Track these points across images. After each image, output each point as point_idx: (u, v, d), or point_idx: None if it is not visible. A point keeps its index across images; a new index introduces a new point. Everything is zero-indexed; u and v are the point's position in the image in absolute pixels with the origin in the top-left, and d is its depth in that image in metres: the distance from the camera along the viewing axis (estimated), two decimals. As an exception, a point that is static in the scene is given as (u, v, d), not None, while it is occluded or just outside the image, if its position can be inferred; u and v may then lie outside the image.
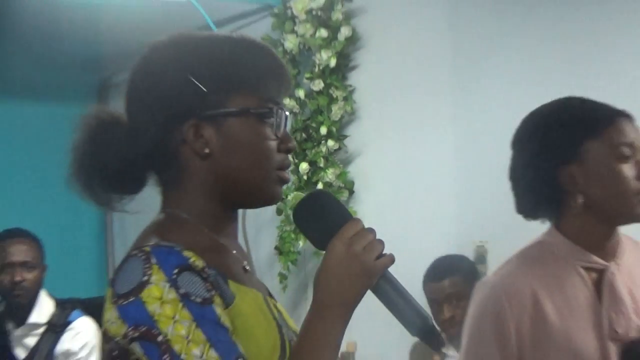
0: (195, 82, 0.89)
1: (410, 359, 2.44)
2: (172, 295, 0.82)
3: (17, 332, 2.51)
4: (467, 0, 2.41)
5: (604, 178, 1.35)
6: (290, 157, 0.97)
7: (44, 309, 2.52)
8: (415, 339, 2.47)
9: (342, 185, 2.73)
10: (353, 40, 2.71)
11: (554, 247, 1.42)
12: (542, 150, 1.40)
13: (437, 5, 2.51)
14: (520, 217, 2.38)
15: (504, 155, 1.61)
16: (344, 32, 2.66)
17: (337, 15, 2.66)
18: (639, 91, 2.04)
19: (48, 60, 3.21)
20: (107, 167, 0.91)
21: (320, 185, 2.74)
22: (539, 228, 1.48)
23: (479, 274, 2.39)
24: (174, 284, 0.82)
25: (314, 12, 2.68)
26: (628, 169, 1.31)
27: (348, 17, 2.70)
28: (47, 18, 2.68)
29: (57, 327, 2.54)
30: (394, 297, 0.90)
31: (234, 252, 0.96)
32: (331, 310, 0.87)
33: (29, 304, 2.50)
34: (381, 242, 0.88)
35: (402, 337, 2.36)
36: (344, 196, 2.76)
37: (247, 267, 0.98)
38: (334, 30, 2.68)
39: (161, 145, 0.90)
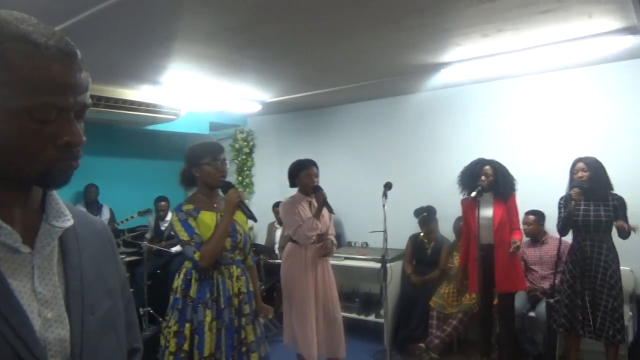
0: (193, 157, 2.94)
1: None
2: (174, 218, 2.85)
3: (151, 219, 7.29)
4: (286, 137, 8.18)
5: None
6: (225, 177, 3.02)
7: (168, 216, 6.86)
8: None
9: (249, 188, 8.48)
10: (253, 145, 8.54)
11: (297, 194, 4.08)
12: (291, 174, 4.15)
13: (275, 137, 8.14)
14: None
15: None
16: (250, 143, 8.41)
17: (249, 138, 8.44)
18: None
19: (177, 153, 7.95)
20: (183, 181, 3.10)
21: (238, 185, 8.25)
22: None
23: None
24: (176, 215, 2.86)
25: (242, 137, 8.44)
26: None
27: (252, 138, 8.52)
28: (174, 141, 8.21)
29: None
30: (244, 208, 2.91)
31: (212, 202, 2.95)
32: (224, 216, 2.83)
33: (165, 216, 6.86)
34: (238, 193, 2.81)
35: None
36: (251, 191, 8.52)
37: (215, 205, 2.93)
38: (248, 142, 8.40)
39: (190, 174, 2.98)
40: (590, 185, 4.16)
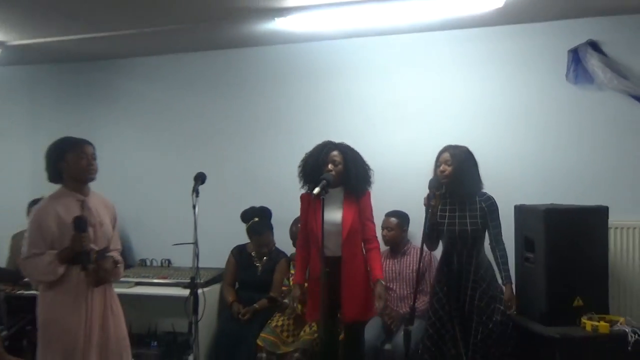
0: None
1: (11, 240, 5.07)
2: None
3: None
4: (41, 101, 5.86)
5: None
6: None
7: None
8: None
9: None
10: None
11: (61, 191, 3.13)
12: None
13: (25, 101, 5.77)
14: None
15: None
16: None
17: None
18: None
19: None
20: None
21: None
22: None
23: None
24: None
25: None
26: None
27: None
28: None
29: None
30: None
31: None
32: None
33: None
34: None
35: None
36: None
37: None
38: None
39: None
40: (451, 185, 3.67)
